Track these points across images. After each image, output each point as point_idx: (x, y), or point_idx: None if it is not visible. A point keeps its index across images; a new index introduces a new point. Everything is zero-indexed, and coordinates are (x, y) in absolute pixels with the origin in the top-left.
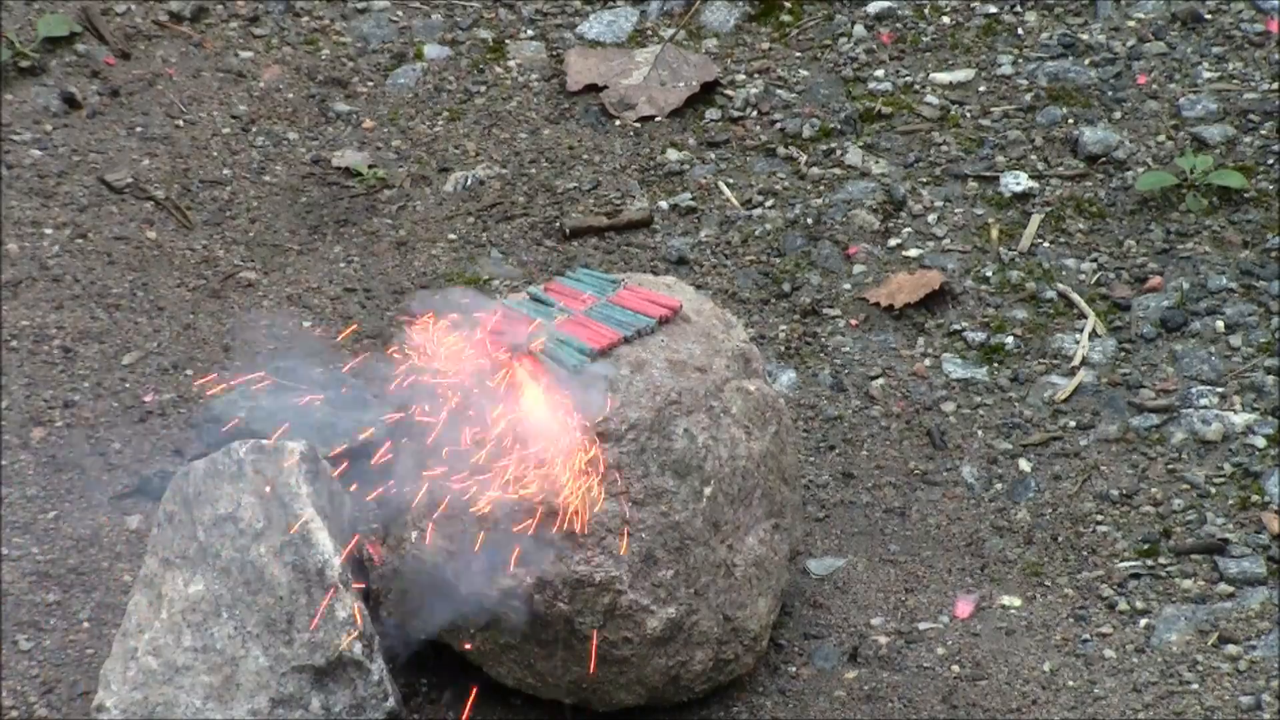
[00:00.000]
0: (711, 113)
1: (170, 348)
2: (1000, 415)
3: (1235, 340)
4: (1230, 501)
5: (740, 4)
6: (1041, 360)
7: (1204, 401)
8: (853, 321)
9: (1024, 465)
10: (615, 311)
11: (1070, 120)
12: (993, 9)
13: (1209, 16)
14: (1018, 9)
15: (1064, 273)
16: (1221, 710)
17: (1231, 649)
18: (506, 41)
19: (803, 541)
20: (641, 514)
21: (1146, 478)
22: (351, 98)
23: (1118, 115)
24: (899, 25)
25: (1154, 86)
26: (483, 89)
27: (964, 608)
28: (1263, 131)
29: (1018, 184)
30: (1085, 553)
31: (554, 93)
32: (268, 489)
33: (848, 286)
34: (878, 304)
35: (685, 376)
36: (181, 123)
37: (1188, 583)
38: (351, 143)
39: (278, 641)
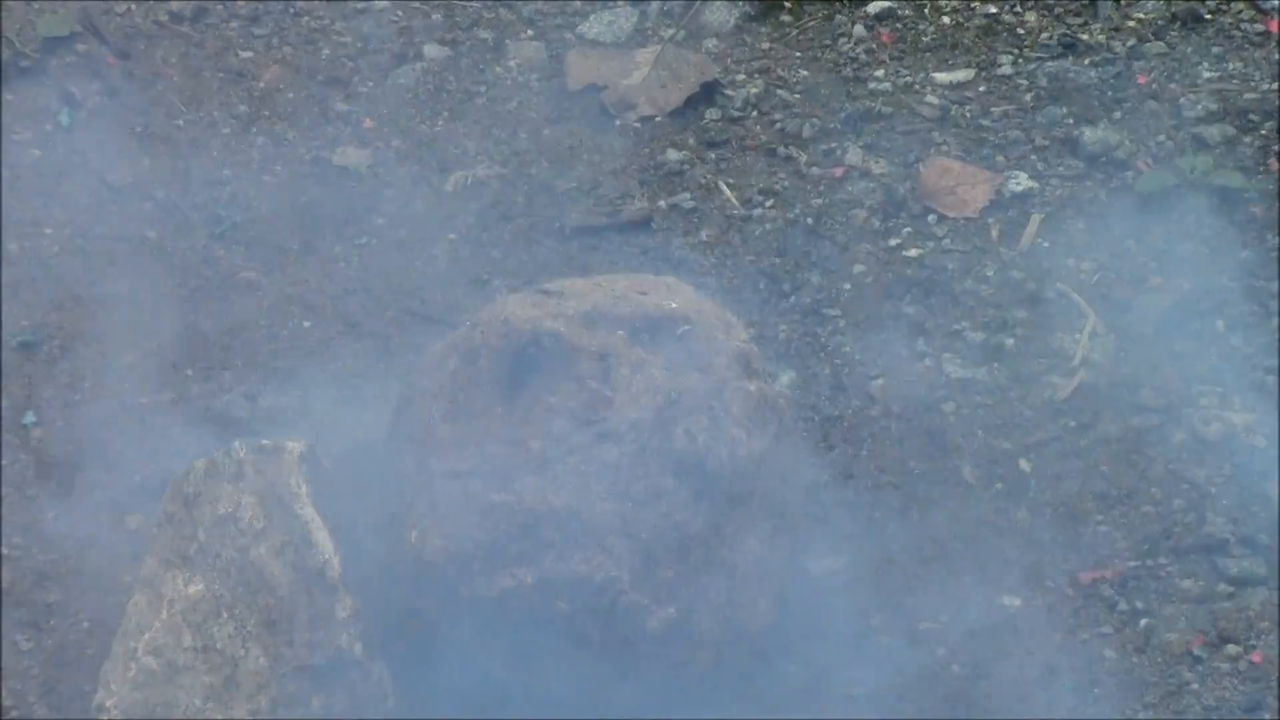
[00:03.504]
0: (711, 113)
1: (170, 348)
2: (1000, 415)
3: (1235, 340)
4: (1230, 501)
5: (740, 4)
6: (1041, 360)
7: (1204, 401)
8: (853, 322)
9: (1024, 465)
10: None
11: (1070, 120)
12: (993, 9)
13: (1209, 16)
14: (1018, 9)
15: (1064, 273)
16: (1221, 710)
17: (1231, 649)
18: (506, 41)
19: (803, 541)
20: (641, 514)
21: (1146, 478)
22: (351, 98)
23: (1118, 115)
24: (899, 25)
25: (1154, 86)
26: (483, 89)
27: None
28: (1263, 131)
29: (1018, 184)
30: (1085, 553)
31: (554, 93)
32: (268, 489)
33: (848, 286)
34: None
35: (685, 376)
36: (181, 123)
37: (1188, 583)
38: (351, 143)
39: (278, 641)
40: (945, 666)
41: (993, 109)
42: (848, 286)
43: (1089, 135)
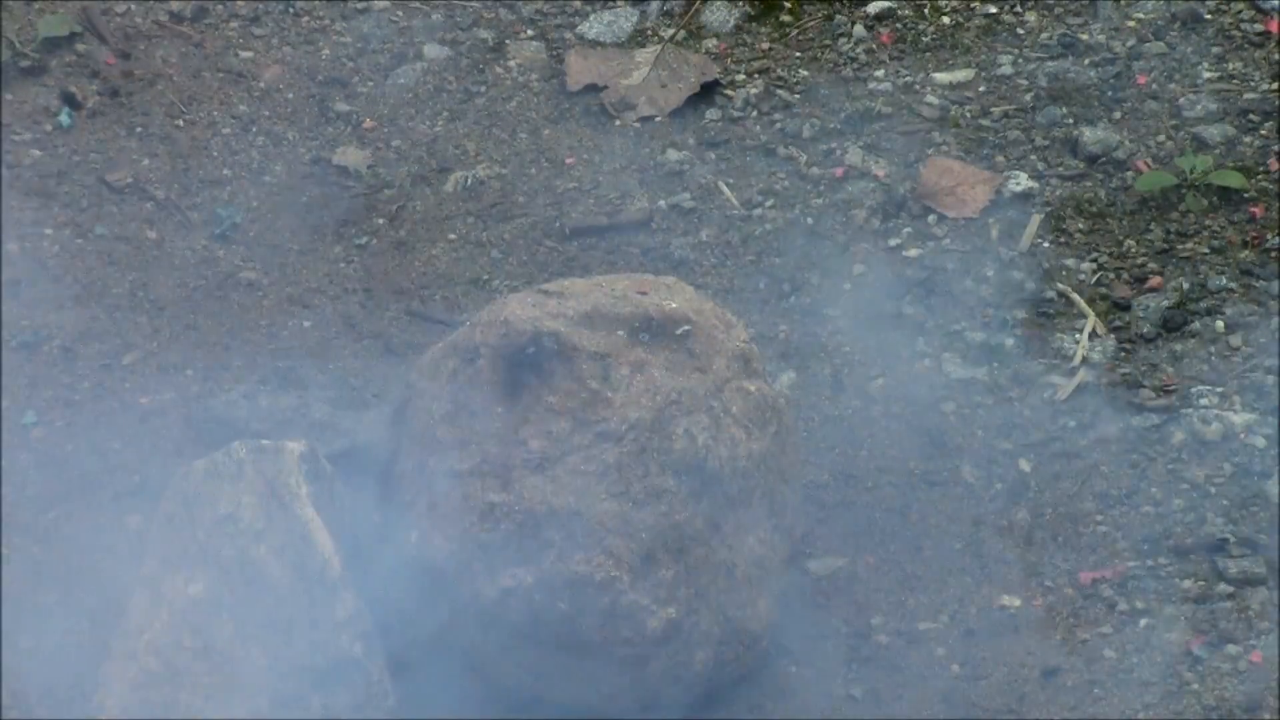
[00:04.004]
0: (711, 113)
1: (170, 348)
2: (1000, 415)
3: (1235, 340)
4: (1230, 501)
5: (740, 4)
6: (1041, 360)
7: (1204, 401)
8: (853, 322)
9: (1024, 465)
10: None
11: (1070, 120)
12: (993, 9)
13: (1209, 16)
14: (1018, 9)
15: (1064, 273)
16: (1221, 710)
17: (1231, 649)
18: (506, 41)
19: (803, 541)
20: (641, 514)
21: (1146, 478)
22: (351, 98)
23: (1118, 115)
24: (899, 25)
25: (1154, 86)
26: (483, 89)
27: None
28: (1263, 131)
29: (1018, 184)
30: (1085, 553)
31: (554, 93)
32: (268, 489)
33: (847, 286)
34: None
35: (685, 376)
36: (181, 123)
37: (1188, 583)
38: (351, 143)
39: (278, 641)
40: (945, 666)
41: (993, 109)
42: (848, 286)
43: (1089, 135)
